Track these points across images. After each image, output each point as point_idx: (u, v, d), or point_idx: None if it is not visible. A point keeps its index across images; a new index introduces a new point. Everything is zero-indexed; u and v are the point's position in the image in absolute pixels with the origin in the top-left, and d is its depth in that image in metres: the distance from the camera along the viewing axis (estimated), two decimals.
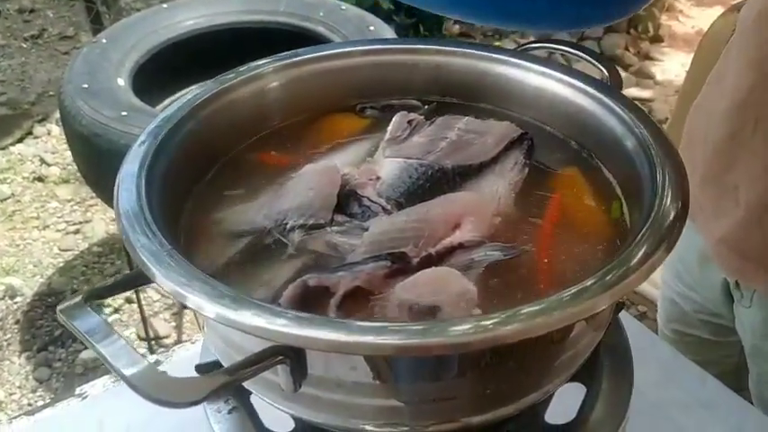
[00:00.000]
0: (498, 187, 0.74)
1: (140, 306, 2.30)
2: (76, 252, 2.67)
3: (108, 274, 2.55)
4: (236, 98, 0.79)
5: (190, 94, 0.76)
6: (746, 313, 1.05)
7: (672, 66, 3.53)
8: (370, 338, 0.51)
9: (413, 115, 0.82)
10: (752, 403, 1.02)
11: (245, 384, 0.62)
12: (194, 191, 0.74)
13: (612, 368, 0.78)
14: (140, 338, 2.36)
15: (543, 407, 0.73)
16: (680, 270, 1.17)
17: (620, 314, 0.79)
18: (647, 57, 3.60)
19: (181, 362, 0.97)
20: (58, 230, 2.75)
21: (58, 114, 2.19)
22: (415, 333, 0.51)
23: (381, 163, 0.76)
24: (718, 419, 0.91)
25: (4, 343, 2.38)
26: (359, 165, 0.78)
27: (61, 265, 2.62)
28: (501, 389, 0.61)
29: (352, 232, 0.68)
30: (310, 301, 0.60)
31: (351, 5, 2.33)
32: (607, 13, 0.83)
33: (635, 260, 0.56)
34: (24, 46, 3.78)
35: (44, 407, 0.94)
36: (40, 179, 2.97)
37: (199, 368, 0.75)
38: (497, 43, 3.56)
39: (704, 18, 3.74)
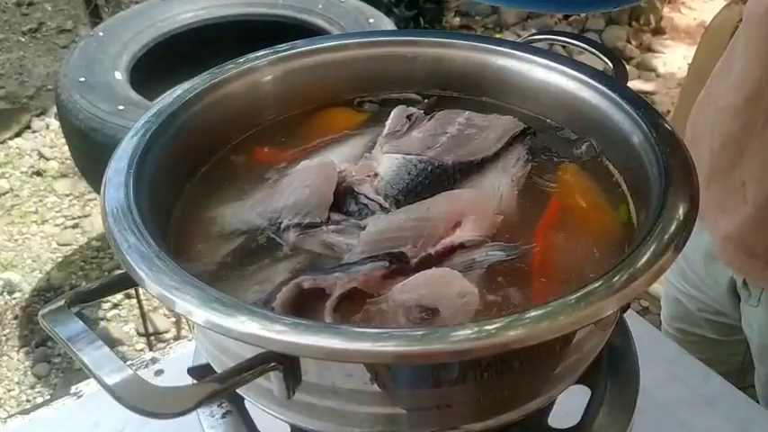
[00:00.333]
0: (500, 184, 0.72)
1: (139, 301, 2.29)
2: (75, 247, 2.65)
3: (107, 269, 2.54)
4: (230, 92, 0.77)
5: (181, 87, 0.74)
6: (754, 312, 1.04)
7: (674, 58, 3.51)
8: (367, 346, 0.49)
9: (412, 109, 0.80)
10: (757, 401, 1.01)
11: (238, 390, 0.59)
12: (186, 188, 0.72)
13: (617, 370, 0.76)
14: (139, 334, 2.34)
15: (546, 410, 0.71)
16: (685, 268, 1.16)
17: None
18: (649, 49, 3.58)
19: (179, 359, 0.96)
20: (56, 225, 2.74)
21: (56, 108, 2.19)
22: (415, 339, 0.49)
23: (379, 159, 0.75)
24: (722, 417, 0.90)
25: (3, 338, 2.36)
26: (356, 161, 0.76)
27: (60, 259, 2.60)
28: (504, 395, 0.59)
29: (349, 231, 0.67)
30: (305, 304, 0.59)
31: None
32: None
33: (642, 262, 0.54)
34: (23, 39, 3.76)
35: (39, 406, 0.93)
36: (38, 173, 2.96)
37: (191, 371, 0.72)
38: (498, 35, 3.54)
39: (707, 10, 3.72)
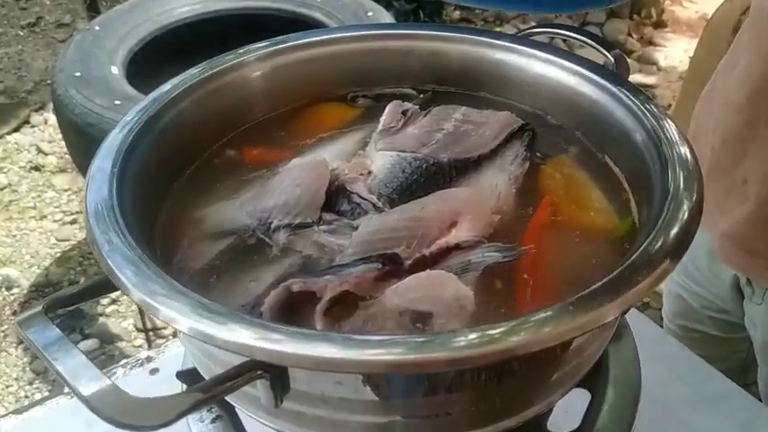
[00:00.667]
0: (498, 182, 0.70)
1: None
2: (73, 242, 2.64)
3: None
4: (219, 87, 0.76)
5: (169, 83, 0.72)
6: (758, 310, 1.02)
7: (675, 52, 3.49)
8: (361, 355, 0.47)
9: (407, 105, 0.78)
10: (759, 399, 1.00)
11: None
12: (173, 187, 0.70)
13: (618, 373, 0.74)
14: (138, 330, 2.33)
15: (545, 415, 0.69)
16: (687, 265, 1.14)
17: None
18: (651, 42, 3.56)
19: (174, 358, 0.94)
20: (54, 220, 2.72)
21: (52, 103, 2.18)
22: (409, 348, 0.47)
23: (373, 156, 0.73)
24: (724, 415, 0.89)
25: (1, 334, 2.35)
26: (349, 158, 0.74)
27: (58, 255, 2.59)
28: (502, 402, 0.57)
29: (341, 231, 0.65)
30: (295, 308, 0.57)
31: None
32: None
33: (647, 264, 0.52)
34: (21, 34, 3.74)
35: (32, 405, 0.93)
36: (36, 168, 2.95)
37: (180, 375, 0.70)
38: (498, 29, 3.51)
39: (708, 2, 3.69)
